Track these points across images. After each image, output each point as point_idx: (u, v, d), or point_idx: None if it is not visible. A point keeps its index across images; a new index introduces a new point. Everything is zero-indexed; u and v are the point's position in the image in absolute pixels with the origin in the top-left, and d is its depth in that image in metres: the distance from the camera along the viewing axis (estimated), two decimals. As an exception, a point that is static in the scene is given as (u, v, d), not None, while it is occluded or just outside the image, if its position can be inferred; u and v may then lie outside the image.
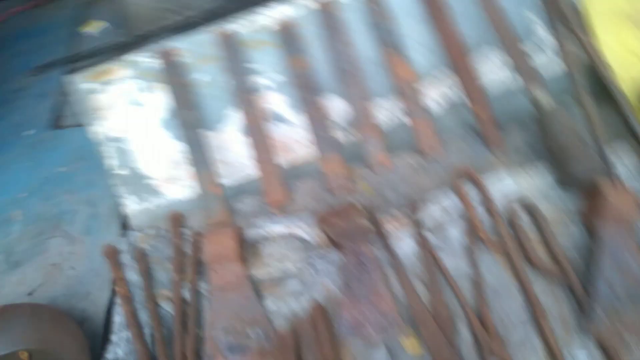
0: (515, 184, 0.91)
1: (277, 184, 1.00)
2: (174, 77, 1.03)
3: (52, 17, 1.92)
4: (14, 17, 1.98)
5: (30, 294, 1.07)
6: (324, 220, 0.88)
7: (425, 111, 1.00)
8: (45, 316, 0.95)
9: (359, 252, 0.85)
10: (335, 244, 0.88)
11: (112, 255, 0.98)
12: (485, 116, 0.99)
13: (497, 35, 0.99)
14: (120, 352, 0.85)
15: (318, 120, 1.01)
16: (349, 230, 0.87)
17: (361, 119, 1.01)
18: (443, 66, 1.06)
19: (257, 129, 1.01)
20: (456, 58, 1.01)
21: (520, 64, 0.97)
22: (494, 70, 1.07)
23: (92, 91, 1.03)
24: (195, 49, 1.05)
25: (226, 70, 1.03)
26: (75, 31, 1.83)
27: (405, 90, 1.01)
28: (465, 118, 1.06)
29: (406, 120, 1.05)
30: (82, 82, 1.03)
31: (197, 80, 1.05)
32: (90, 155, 1.32)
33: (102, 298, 1.01)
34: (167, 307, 0.90)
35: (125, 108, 1.05)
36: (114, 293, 1.01)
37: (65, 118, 1.51)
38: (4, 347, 0.96)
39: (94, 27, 1.81)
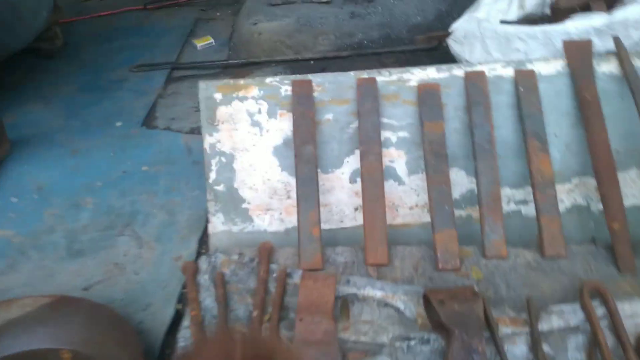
0: (648, 315, 0.81)
1: (381, 243, 0.92)
2: (303, 108, 0.99)
3: (169, 22, 1.96)
4: (132, 13, 2.03)
5: (86, 289, 0.99)
6: (435, 297, 0.79)
7: (556, 210, 0.93)
8: (104, 320, 0.86)
9: (470, 345, 0.76)
10: (441, 327, 0.79)
11: (191, 272, 0.90)
12: (620, 233, 0.91)
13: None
14: (180, 381, 0.75)
15: (438, 188, 0.94)
16: (464, 316, 0.77)
17: (485, 200, 0.94)
18: (582, 173, 1.00)
19: (371, 178, 0.95)
20: (600, 165, 0.94)
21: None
22: (631, 185, 1.00)
23: (219, 102, 1.00)
24: (332, 87, 1.02)
25: (356, 116, 0.99)
26: (187, 41, 1.85)
27: (539, 183, 0.94)
28: (595, 231, 0.98)
29: (532, 214, 0.98)
30: (213, 90, 1.00)
31: (324, 119, 1.01)
32: (175, 162, 1.30)
33: (164, 314, 0.93)
34: (240, 346, 0.80)
35: (244, 126, 1.01)
36: (177, 312, 0.93)
37: (157, 119, 1.50)
38: (50, 341, 0.88)
39: (204, 41, 1.83)
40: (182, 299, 0.95)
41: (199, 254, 1.04)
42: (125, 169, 1.31)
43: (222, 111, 1.01)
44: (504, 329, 0.80)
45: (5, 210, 1.20)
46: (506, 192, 1.01)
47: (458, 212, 1.01)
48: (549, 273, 0.90)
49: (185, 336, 0.82)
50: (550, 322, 0.81)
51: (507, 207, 1.02)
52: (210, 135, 1.01)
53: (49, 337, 0.87)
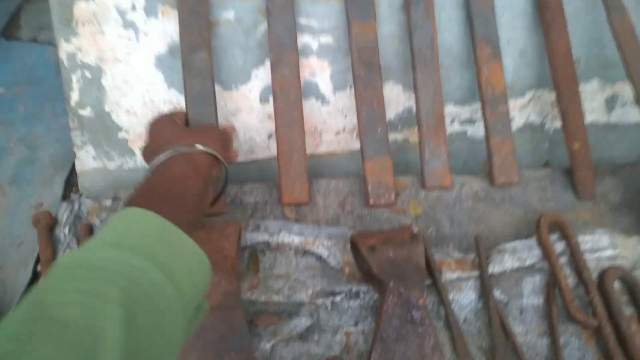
0: (612, 249, 0.69)
1: (300, 179, 0.73)
2: (192, 2, 0.74)
3: None
4: None
5: None
6: (365, 242, 0.62)
7: (508, 130, 0.77)
8: None
9: (409, 299, 0.60)
10: (373, 278, 0.63)
11: (45, 225, 0.67)
12: (580, 154, 0.77)
13: (624, 61, 0.77)
14: None
15: (369, 108, 0.75)
16: (400, 264, 0.61)
17: (425, 120, 0.76)
18: (538, 85, 0.84)
19: (287, 98, 0.74)
20: (560, 80, 0.78)
21: None
22: (591, 99, 0.86)
23: (75, -7, 0.73)
24: (230, -25, 0.77)
25: (266, 15, 0.76)
26: None
27: (490, 98, 0.77)
28: (550, 153, 0.84)
29: (480, 136, 0.82)
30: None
31: (222, 18, 0.77)
32: (41, 81, 1.02)
33: (17, 280, 0.70)
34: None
35: (113, 28, 0.75)
36: (35, 276, 0.71)
37: (20, 28, 1.18)
38: None
39: None
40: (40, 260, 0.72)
41: (65, 199, 0.81)
42: (-26, 92, 1.01)
43: (81, 7, 0.75)
44: (449, 274, 0.66)
45: None
46: (450, 109, 0.84)
47: (393, 136, 0.83)
48: (499, 204, 0.76)
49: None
50: (503, 262, 0.67)
51: (451, 128, 0.85)
52: (67, 41, 0.75)
53: None
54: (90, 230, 0.67)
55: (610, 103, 0.87)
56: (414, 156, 0.78)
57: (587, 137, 0.78)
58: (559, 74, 0.79)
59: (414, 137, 0.83)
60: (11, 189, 0.83)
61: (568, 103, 0.78)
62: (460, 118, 0.85)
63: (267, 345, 0.61)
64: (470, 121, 0.85)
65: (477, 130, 0.85)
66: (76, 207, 0.69)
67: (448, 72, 0.83)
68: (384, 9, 0.80)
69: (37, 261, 0.72)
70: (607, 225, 0.74)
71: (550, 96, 0.84)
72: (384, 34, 0.80)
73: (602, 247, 0.69)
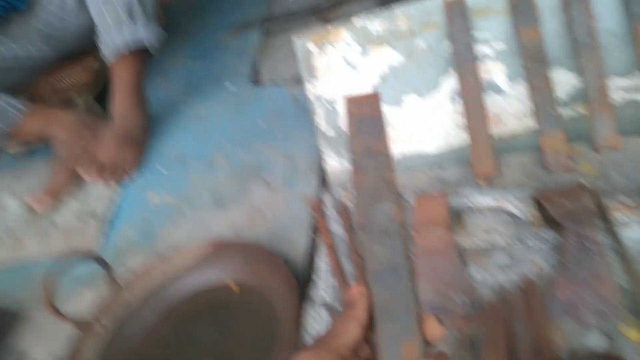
0: None
1: (487, 155, 0.97)
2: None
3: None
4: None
5: (236, 233, 1.17)
6: (545, 198, 0.83)
7: (672, 92, 0.89)
8: (255, 253, 1.03)
9: (583, 235, 0.80)
10: (554, 224, 0.83)
11: (318, 207, 1.03)
12: None
13: None
14: (326, 297, 0.90)
15: (540, 92, 0.95)
16: (574, 211, 0.81)
17: (592, 95, 0.93)
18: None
19: (471, 96, 0.99)
20: None
21: None
22: None
23: (314, 52, 1.08)
24: (419, 15, 1.04)
25: (447, 37, 1.01)
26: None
27: (650, 66, 0.91)
28: None
29: (644, 100, 0.95)
30: (306, 42, 1.08)
31: (416, 47, 1.04)
32: (287, 114, 1.42)
33: (301, 244, 1.08)
34: (370, 263, 0.92)
35: (340, 71, 1.08)
36: (312, 241, 1.08)
37: (262, 75, 1.62)
38: (218, 277, 1.07)
39: (291, -8, 1.90)
40: (314, 229, 1.09)
41: (321, 191, 1.17)
42: (245, 127, 1.46)
43: (318, 61, 1.09)
44: (619, 216, 0.83)
45: (155, 178, 1.43)
46: (616, 82, 0.98)
47: (566, 112, 1.01)
48: (667, 158, 0.89)
49: (324, 259, 0.96)
50: (667, 203, 0.81)
51: (619, 96, 0.99)
52: (312, 85, 1.11)
53: (218, 275, 1.07)
54: (346, 208, 1.01)
55: None
56: (587, 127, 0.95)
57: None
58: None
59: (584, 111, 0.99)
60: (284, 188, 1.23)
61: None
62: (627, 87, 0.98)
63: (477, 274, 0.86)
64: (638, 89, 0.98)
65: (645, 96, 0.97)
66: (334, 194, 1.04)
67: (611, 51, 0.97)
68: (545, 11, 0.99)
69: (312, 231, 1.09)
70: None
71: None
72: (548, 31, 0.98)
73: None
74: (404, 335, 0.44)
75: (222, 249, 1.08)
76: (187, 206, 1.31)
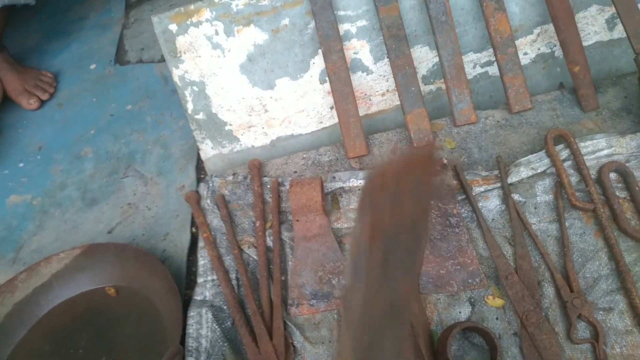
0: (608, 148, 0.88)
1: (357, 136, 0.99)
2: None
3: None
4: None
5: (110, 232, 1.10)
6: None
7: (518, 67, 0.96)
8: (130, 255, 0.98)
9: (446, 210, 0.85)
10: (421, 200, 0.88)
11: (194, 200, 0.99)
12: (581, 74, 0.95)
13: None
14: (207, 293, 0.88)
15: (402, 71, 0.98)
16: (437, 188, 0.86)
17: (449, 71, 0.97)
18: (543, 22, 1.01)
19: (337, 76, 0.99)
20: (556, 11, 0.95)
21: (627, 14, 0.91)
22: (592, 23, 1.01)
23: (175, 32, 1.01)
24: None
25: (310, 14, 0.99)
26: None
27: (498, 43, 0.96)
28: (562, 75, 1.01)
29: (496, 75, 1.01)
30: (167, 22, 1.00)
31: (281, 25, 1.01)
32: (156, 94, 1.34)
33: (182, 240, 1.04)
34: (251, 253, 0.92)
35: (206, 51, 1.02)
36: (192, 236, 1.04)
37: (127, 53, 1.50)
38: (92, 283, 1.01)
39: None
40: (194, 224, 1.05)
41: (198, 180, 1.13)
42: (111, 112, 1.35)
43: (181, 41, 1.02)
44: (477, 189, 0.89)
45: (16, 176, 1.29)
46: (471, 57, 1.04)
47: (428, 88, 1.05)
48: (517, 128, 0.97)
49: (203, 255, 0.93)
50: (519, 173, 0.89)
51: (474, 71, 1.05)
52: (177, 67, 1.04)
53: (91, 280, 1.01)
54: (223, 199, 0.98)
55: (610, 22, 1.01)
56: (447, 102, 1.00)
57: (586, 60, 0.95)
58: (554, 9, 0.96)
59: (444, 86, 1.04)
60: (159, 179, 1.17)
61: (565, 33, 0.95)
62: (481, 62, 1.04)
63: (355, 256, 0.89)
64: (490, 63, 1.05)
65: (496, 70, 1.04)
66: (211, 184, 1.01)
67: (465, 27, 1.02)
68: (403, -12, 1.00)
69: (191, 225, 1.06)
70: (608, 131, 0.92)
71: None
72: (406, 8, 1.00)
73: (600, 148, 0.89)
74: None
75: (93, 252, 1.00)
76: (52, 205, 1.20)
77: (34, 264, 1.01)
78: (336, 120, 1.05)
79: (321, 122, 1.07)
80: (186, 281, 0.98)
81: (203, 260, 0.93)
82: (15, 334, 0.99)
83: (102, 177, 1.22)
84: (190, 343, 0.81)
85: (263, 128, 1.07)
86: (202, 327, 0.83)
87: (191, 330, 0.83)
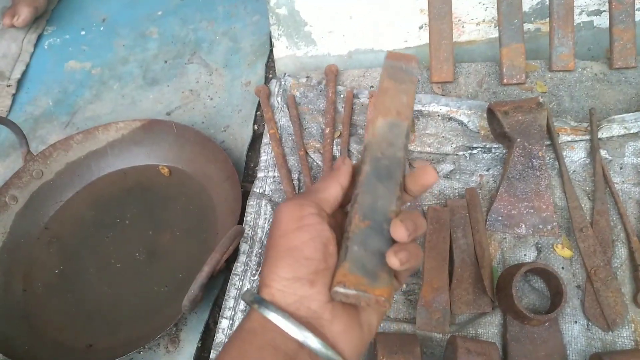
0: None
1: (447, 62, 0.93)
2: None
3: None
4: None
5: (168, 114, 1.08)
6: (500, 109, 0.83)
7: (632, 19, 0.89)
8: (191, 138, 0.96)
9: (531, 151, 0.81)
10: (504, 137, 0.84)
11: (265, 94, 0.96)
12: (699, 39, 0.88)
13: None
14: (267, 188, 0.86)
15: (508, 1, 0.91)
16: (526, 125, 0.81)
17: (557, 10, 0.90)
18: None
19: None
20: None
21: None
22: None
23: None
24: None
25: None
26: None
27: (618, -11, 0.89)
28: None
29: (605, 26, 0.94)
30: None
31: None
32: (233, -13, 1.27)
33: (242, 134, 1.01)
34: (315, 158, 0.89)
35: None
36: (254, 132, 1.02)
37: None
38: (146, 158, 0.99)
39: None
40: (256, 121, 1.03)
41: (266, 79, 1.09)
42: (182, -4, 1.30)
43: None
44: (564, 137, 0.85)
45: (77, 43, 1.26)
46: (578, 2, 0.97)
47: (527, 26, 0.99)
48: (614, 84, 0.91)
49: (267, 151, 0.91)
50: (611, 130, 0.84)
51: (579, 18, 0.98)
52: (268, -46, 0.98)
53: (147, 155, 0.99)
54: (293, 99, 0.95)
55: None
56: (544, 44, 0.94)
57: None
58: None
59: (545, 27, 0.98)
60: (224, 71, 1.13)
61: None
62: (589, 9, 0.97)
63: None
64: (598, 12, 0.97)
65: (603, 21, 0.97)
66: (283, 82, 0.97)
67: (582, -33, 0.94)
68: None
69: (254, 122, 1.03)
70: None
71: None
72: None
73: None
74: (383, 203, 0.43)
75: (153, 128, 0.99)
76: (112, 78, 1.17)
77: (92, 127, 0.99)
78: (422, 41, 0.99)
79: (406, 41, 1.02)
80: (245, 175, 0.96)
81: (266, 155, 0.90)
82: (63, 193, 0.99)
83: (166, 59, 1.18)
84: (247, 230, 0.80)
85: (344, 36, 1.02)
86: (259, 217, 0.82)
87: (249, 218, 0.82)
